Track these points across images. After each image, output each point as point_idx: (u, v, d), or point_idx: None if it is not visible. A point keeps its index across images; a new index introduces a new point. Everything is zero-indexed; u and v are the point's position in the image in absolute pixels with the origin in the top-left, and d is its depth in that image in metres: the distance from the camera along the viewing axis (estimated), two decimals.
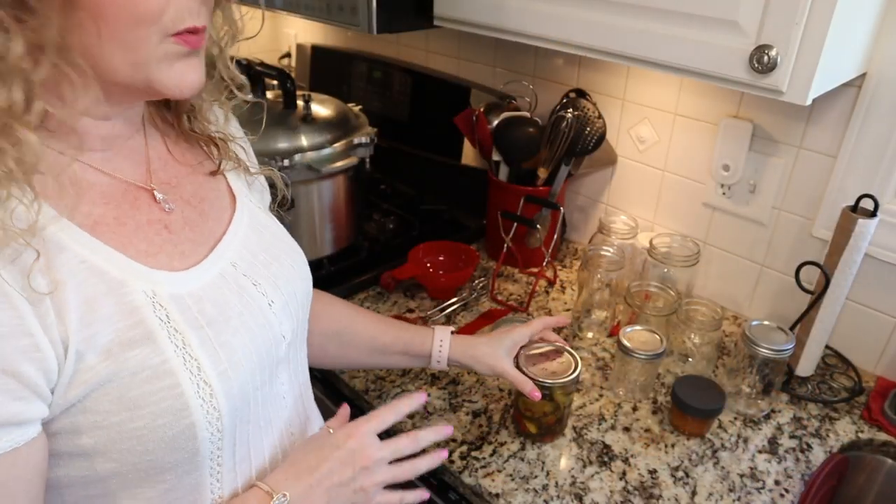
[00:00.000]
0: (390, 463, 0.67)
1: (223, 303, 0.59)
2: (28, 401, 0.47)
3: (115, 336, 0.50)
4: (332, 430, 0.68)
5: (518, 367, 0.87)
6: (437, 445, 0.74)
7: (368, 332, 0.88)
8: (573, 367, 0.87)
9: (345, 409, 0.75)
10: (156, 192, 0.60)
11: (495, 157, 1.31)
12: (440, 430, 0.72)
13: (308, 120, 1.23)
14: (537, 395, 0.84)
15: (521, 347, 0.90)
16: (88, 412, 0.50)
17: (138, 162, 0.61)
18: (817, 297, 0.99)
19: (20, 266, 0.47)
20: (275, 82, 1.26)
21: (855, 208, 0.95)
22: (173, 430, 0.53)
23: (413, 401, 0.72)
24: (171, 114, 0.66)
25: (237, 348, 0.58)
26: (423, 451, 0.71)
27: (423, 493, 0.73)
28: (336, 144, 1.23)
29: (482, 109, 1.33)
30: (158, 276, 0.55)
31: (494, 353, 0.87)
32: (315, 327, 0.82)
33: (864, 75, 0.94)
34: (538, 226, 1.24)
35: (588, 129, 1.20)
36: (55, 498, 0.54)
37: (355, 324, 0.88)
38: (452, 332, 0.89)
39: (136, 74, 0.51)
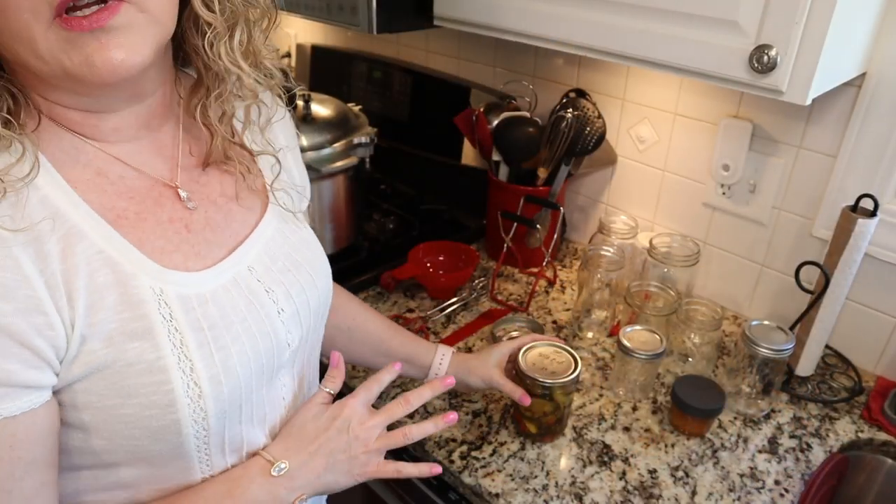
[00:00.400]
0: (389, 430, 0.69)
1: (230, 307, 0.59)
2: (41, 370, 0.50)
3: (119, 326, 0.52)
4: (328, 391, 0.70)
5: (519, 368, 0.87)
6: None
7: (378, 334, 0.91)
8: (573, 367, 0.87)
9: (338, 359, 0.74)
10: (180, 190, 0.60)
11: (495, 157, 1.31)
12: (436, 385, 0.72)
13: (308, 120, 1.23)
14: (527, 400, 0.85)
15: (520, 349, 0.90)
16: (87, 392, 0.52)
17: (167, 157, 0.61)
18: (817, 296, 0.99)
19: (41, 250, 0.50)
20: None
21: (855, 208, 0.95)
22: (159, 422, 0.54)
23: (390, 372, 0.73)
24: (199, 108, 0.62)
25: (233, 354, 0.58)
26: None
27: (434, 468, 0.72)
28: (336, 144, 1.23)
29: (482, 109, 1.33)
30: (170, 276, 0.56)
31: (484, 364, 0.90)
32: (329, 320, 0.84)
33: (863, 75, 0.94)
34: (538, 226, 1.24)
35: (588, 129, 1.20)
36: (65, 460, 0.56)
37: (367, 323, 0.91)
38: (453, 352, 0.92)
39: (49, 67, 0.48)
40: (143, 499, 0.60)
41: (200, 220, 0.61)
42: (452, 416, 0.71)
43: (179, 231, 0.59)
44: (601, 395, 1.01)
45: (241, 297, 0.60)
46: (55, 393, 0.52)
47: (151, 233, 0.57)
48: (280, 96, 0.70)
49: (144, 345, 0.53)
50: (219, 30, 0.56)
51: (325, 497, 0.87)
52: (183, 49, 0.61)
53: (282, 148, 0.71)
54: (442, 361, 0.91)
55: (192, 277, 0.57)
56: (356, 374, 1.05)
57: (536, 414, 0.89)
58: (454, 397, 1.00)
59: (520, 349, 0.90)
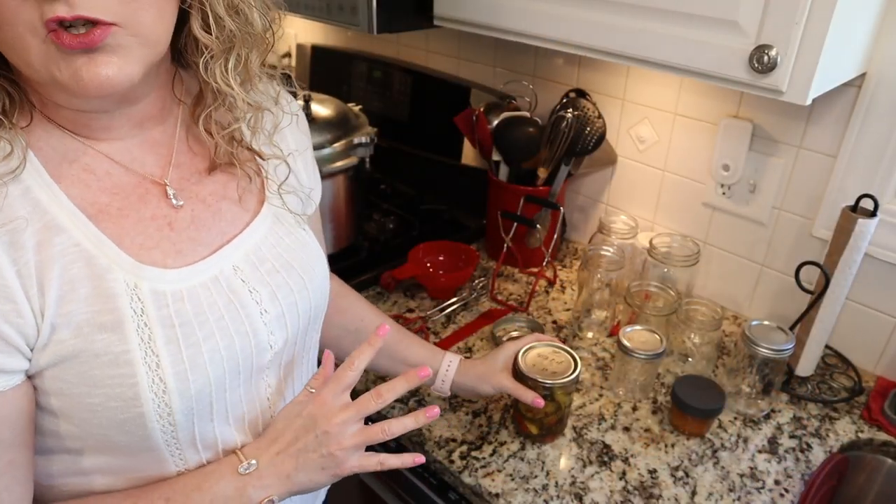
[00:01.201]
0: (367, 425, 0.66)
1: (207, 305, 0.59)
2: (10, 354, 0.51)
3: (89, 317, 0.53)
4: (312, 390, 0.67)
5: (519, 369, 0.87)
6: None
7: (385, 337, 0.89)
8: (573, 367, 0.87)
9: (327, 359, 0.70)
10: (167, 188, 0.60)
11: (495, 157, 1.31)
12: (411, 377, 0.68)
13: (308, 120, 1.23)
14: (540, 402, 0.84)
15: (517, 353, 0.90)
16: (56, 379, 0.53)
17: (160, 155, 0.61)
18: (817, 296, 0.99)
19: (16, 240, 0.51)
20: None
21: (855, 208, 0.95)
22: (124, 414, 0.55)
23: (367, 352, 0.68)
24: (202, 118, 0.62)
25: (204, 352, 0.58)
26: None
27: (417, 457, 0.69)
28: (336, 144, 1.24)
29: (482, 109, 1.33)
30: (146, 271, 0.56)
31: (492, 370, 0.89)
32: (337, 320, 0.84)
33: (863, 75, 0.94)
34: (538, 226, 1.24)
35: (588, 128, 1.20)
36: (39, 441, 0.58)
37: (375, 326, 0.89)
38: (461, 359, 0.91)
39: (39, 75, 0.49)
40: (118, 487, 0.60)
41: (186, 218, 0.61)
42: (434, 410, 0.67)
43: (161, 228, 0.59)
44: (601, 395, 1.01)
45: (220, 295, 0.60)
46: (29, 377, 0.54)
47: (132, 229, 0.57)
48: (291, 99, 0.70)
49: (112, 337, 0.54)
50: (215, 52, 0.57)
51: (324, 494, 0.87)
52: (184, 57, 0.61)
53: (291, 152, 0.71)
54: (449, 368, 0.90)
55: (170, 274, 0.58)
56: (369, 387, 1.04)
57: (538, 415, 0.89)
58: (454, 397, 1.00)
59: (522, 348, 0.90)
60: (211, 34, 0.56)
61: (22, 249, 0.51)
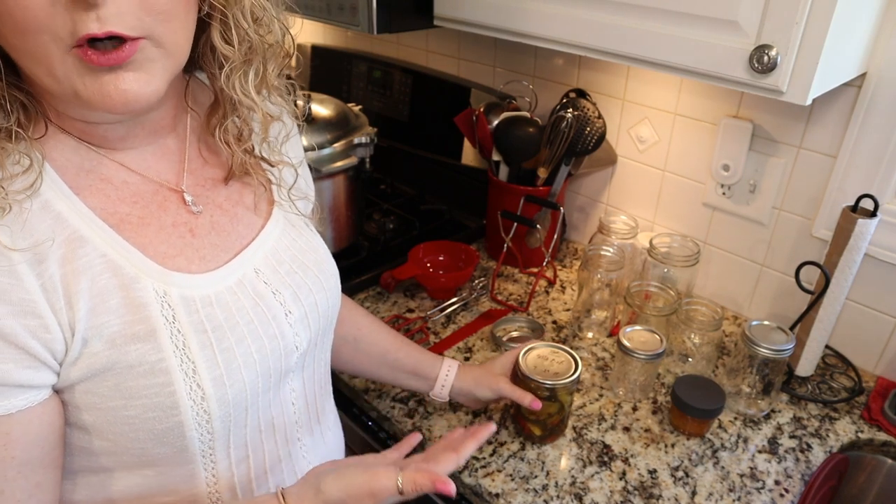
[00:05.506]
0: None
1: (235, 309, 0.59)
2: (37, 370, 0.50)
3: (121, 328, 0.52)
4: (388, 464, 0.61)
5: (520, 370, 0.87)
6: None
7: (384, 345, 0.90)
8: (573, 366, 0.88)
9: (414, 437, 0.69)
10: (185, 195, 0.60)
11: (495, 157, 1.31)
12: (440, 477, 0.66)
13: (308, 120, 1.23)
14: (537, 405, 0.85)
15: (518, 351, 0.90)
16: (89, 393, 0.52)
17: (173, 162, 0.61)
18: (817, 297, 0.99)
19: (39, 253, 0.50)
20: None
21: (855, 208, 0.95)
22: (162, 425, 0.54)
23: (471, 446, 0.66)
24: (218, 128, 0.62)
25: (238, 356, 0.58)
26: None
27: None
28: (336, 144, 1.23)
29: (482, 109, 1.33)
30: (174, 277, 0.56)
31: (490, 374, 0.90)
32: (335, 330, 0.83)
33: (864, 75, 0.94)
34: (538, 226, 1.24)
35: (588, 129, 1.20)
36: (68, 462, 0.56)
37: (374, 334, 0.90)
38: (459, 365, 0.92)
39: (61, 87, 0.48)
40: None
41: (206, 224, 0.61)
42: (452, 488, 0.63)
43: (183, 235, 0.59)
44: (601, 396, 1.01)
45: (247, 298, 0.60)
46: (57, 392, 0.53)
47: (154, 237, 0.57)
48: (295, 115, 0.71)
49: (146, 347, 0.53)
50: (235, 63, 0.57)
51: None
52: (199, 63, 0.61)
53: (302, 160, 0.72)
54: (448, 373, 0.90)
55: (197, 279, 0.57)
56: (369, 387, 1.04)
57: (541, 416, 0.89)
58: None
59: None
60: (232, 46, 0.56)
61: (45, 262, 0.50)
